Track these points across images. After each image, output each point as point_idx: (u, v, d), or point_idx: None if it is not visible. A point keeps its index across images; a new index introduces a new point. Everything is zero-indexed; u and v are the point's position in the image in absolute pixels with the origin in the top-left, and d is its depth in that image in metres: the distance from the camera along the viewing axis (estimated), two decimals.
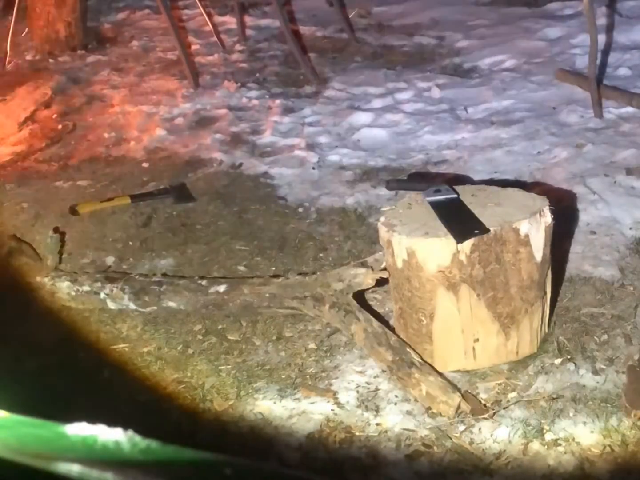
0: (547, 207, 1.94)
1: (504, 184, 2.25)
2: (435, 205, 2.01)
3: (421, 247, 1.89)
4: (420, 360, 1.94)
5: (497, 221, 1.90)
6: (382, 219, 2.02)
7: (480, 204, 2.02)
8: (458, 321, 1.94)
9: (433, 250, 1.88)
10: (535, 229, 1.91)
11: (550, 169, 3.01)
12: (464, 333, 1.95)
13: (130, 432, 0.59)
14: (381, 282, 2.16)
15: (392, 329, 2.16)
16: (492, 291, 1.92)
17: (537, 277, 1.96)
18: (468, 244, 1.86)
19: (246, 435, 1.88)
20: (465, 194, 2.08)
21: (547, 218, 1.94)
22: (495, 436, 1.80)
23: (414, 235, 1.91)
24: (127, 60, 4.83)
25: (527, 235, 1.90)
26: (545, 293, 2.02)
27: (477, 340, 1.96)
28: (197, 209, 3.02)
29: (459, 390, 1.90)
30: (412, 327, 2.00)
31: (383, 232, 1.98)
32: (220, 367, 2.12)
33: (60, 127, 3.91)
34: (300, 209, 2.95)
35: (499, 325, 1.96)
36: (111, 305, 2.39)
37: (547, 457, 1.74)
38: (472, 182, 2.88)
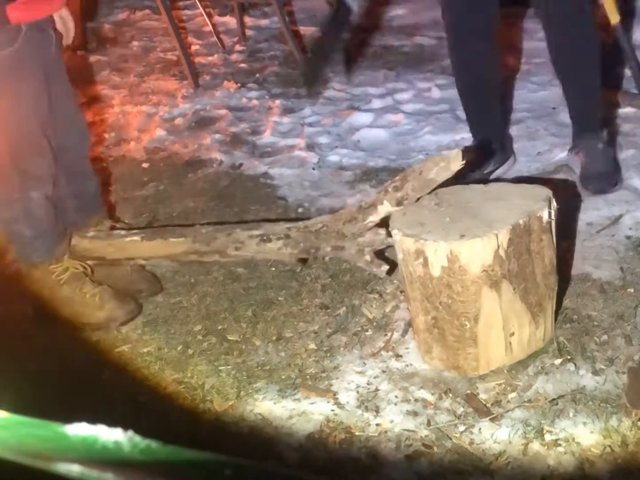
0: (551, 193, 1.98)
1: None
2: None
3: (464, 249, 1.84)
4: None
5: (524, 211, 1.90)
6: (396, 231, 1.93)
7: (480, 201, 2.00)
8: (500, 318, 1.92)
9: (476, 250, 1.84)
10: (552, 215, 1.95)
11: (551, 169, 3.00)
12: (504, 329, 1.94)
13: (130, 433, 0.59)
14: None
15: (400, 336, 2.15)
16: (524, 282, 1.93)
17: (555, 262, 2.00)
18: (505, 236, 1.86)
19: (246, 435, 1.88)
20: (456, 194, 2.05)
21: (554, 202, 1.97)
22: (495, 436, 1.80)
23: (452, 239, 1.84)
24: (127, 61, 4.83)
25: (548, 222, 1.93)
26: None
27: (512, 334, 1.96)
28: (197, 209, 3.02)
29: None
30: (453, 335, 1.95)
31: (410, 243, 1.88)
32: (220, 368, 2.12)
33: None
34: (300, 209, 2.95)
35: (531, 315, 1.97)
36: None
37: (547, 458, 1.74)
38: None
